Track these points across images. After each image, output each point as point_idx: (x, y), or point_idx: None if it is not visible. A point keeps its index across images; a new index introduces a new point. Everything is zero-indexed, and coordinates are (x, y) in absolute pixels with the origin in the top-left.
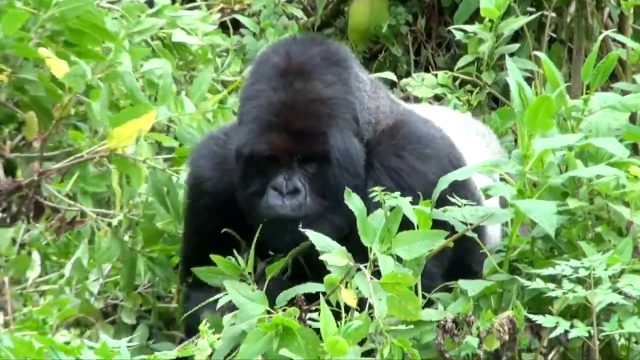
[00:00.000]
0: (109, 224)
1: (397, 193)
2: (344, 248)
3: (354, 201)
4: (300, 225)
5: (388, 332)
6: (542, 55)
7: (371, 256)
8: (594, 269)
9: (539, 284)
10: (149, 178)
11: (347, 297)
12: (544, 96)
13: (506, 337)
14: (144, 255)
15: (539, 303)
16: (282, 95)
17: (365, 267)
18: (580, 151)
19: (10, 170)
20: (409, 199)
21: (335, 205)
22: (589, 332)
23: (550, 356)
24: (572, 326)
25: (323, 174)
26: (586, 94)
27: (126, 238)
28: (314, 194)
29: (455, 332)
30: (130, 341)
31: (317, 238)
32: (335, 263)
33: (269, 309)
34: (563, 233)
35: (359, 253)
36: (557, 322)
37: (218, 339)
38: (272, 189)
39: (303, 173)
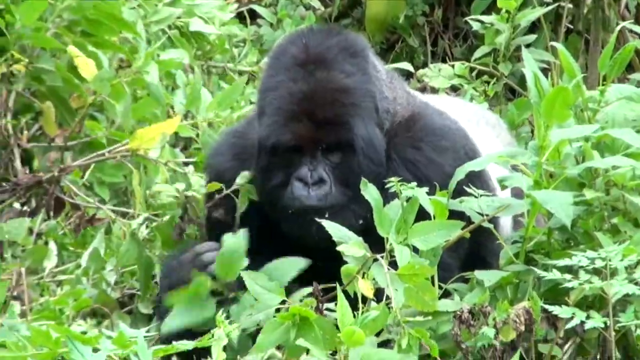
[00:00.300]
0: (127, 225)
1: (414, 184)
2: (360, 239)
3: (370, 191)
4: (326, 216)
5: (405, 323)
6: (559, 45)
7: (387, 247)
8: (610, 260)
9: (555, 274)
10: (169, 180)
11: (365, 287)
12: (561, 87)
13: (522, 328)
14: (161, 258)
15: (555, 294)
16: (304, 86)
17: (382, 257)
18: (597, 142)
19: (26, 160)
20: (426, 189)
21: (359, 195)
22: (605, 323)
23: (566, 347)
24: (588, 317)
25: (347, 163)
26: (602, 85)
27: (143, 230)
28: (338, 184)
29: (472, 322)
30: (147, 331)
31: (334, 228)
32: (352, 254)
33: (285, 299)
34: (579, 224)
35: (378, 244)
36: (574, 313)
37: (235, 328)
38: (296, 180)
39: (327, 163)
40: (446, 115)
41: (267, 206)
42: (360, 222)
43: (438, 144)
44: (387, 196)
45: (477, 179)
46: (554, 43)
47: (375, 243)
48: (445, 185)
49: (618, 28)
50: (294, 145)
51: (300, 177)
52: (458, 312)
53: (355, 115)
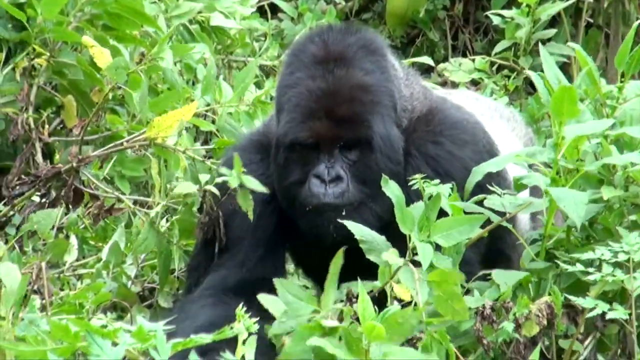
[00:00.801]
0: (146, 214)
1: (437, 181)
2: (383, 238)
3: (391, 188)
4: (343, 213)
5: (428, 324)
6: (575, 45)
7: (410, 244)
8: (633, 253)
9: (577, 267)
10: (188, 169)
11: (401, 291)
12: (565, 86)
13: (545, 322)
14: (180, 247)
15: (576, 290)
16: (322, 83)
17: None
18: (615, 139)
19: (48, 154)
20: (448, 186)
21: (377, 193)
22: (629, 314)
23: (586, 342)
24: (610, 309)
25: (365, 161)
26: (621, 81)
27: (163, 224)
28: (355, 181)
29: (494, 318)
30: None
31: (355, 227)
32: (388, 261)
33: (317, 308)
34: (599, 220)
35: (398, 241)
36: (596, 304)
37: (254, 322)
38: (314, 177)
39: (344, 161)
40: (464, 109)
41: (285, 203)
42: (378, 220)
43: (458, 138)
44: (407, 194)
45: (496, 175)
46: (571, 43)
47: (394, 240)
48: (466, 179)
49: (637, 23)
50: (312, 142)
51: (318, 174)
52: (480, 309)
53: (374, 113)
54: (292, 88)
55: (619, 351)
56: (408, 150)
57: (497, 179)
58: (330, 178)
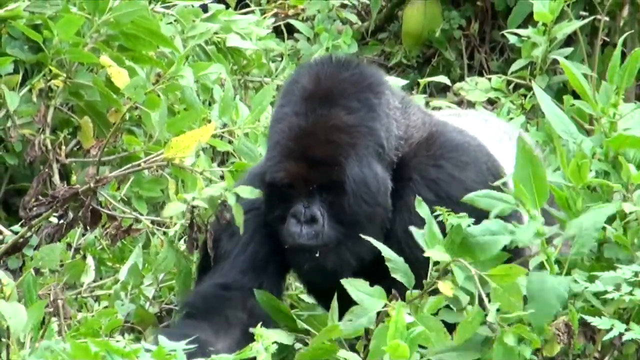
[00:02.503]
0: (165, 233)
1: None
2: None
3: (423, 209)
4: (317, 254)
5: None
6: (569, 64)
7: (431, 268)
8: None
9: (598, 286)
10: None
11: (445, 288)
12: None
13: (566, 340)
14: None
15: (592, 310)
16: (303, 121)
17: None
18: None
19: (65, 174)
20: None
21: (354, 234)
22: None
23: None
24: (627, 329)
25: (339, 203)
26: (616, 95)
27: (181, 243)
28: (332, 222)
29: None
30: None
31: (380, 246)
32: (437, 258)
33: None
34: (615, 239)
35: (382, 280)
36: (613, 324)
37: (273, 342)
38: (291, 216)
39: (322, 201)
40: (466, 132)
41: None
42: (359, 260)
43: (459, 160)
44: (397, 230)
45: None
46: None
47: (377, 280)
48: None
49: (623, 38)
50: (287, 183)
51: (295, 214)
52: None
53: (350, 155)
54: (278, 123)
55: None
56: (409, 176)
57: None
58: (305, 219)
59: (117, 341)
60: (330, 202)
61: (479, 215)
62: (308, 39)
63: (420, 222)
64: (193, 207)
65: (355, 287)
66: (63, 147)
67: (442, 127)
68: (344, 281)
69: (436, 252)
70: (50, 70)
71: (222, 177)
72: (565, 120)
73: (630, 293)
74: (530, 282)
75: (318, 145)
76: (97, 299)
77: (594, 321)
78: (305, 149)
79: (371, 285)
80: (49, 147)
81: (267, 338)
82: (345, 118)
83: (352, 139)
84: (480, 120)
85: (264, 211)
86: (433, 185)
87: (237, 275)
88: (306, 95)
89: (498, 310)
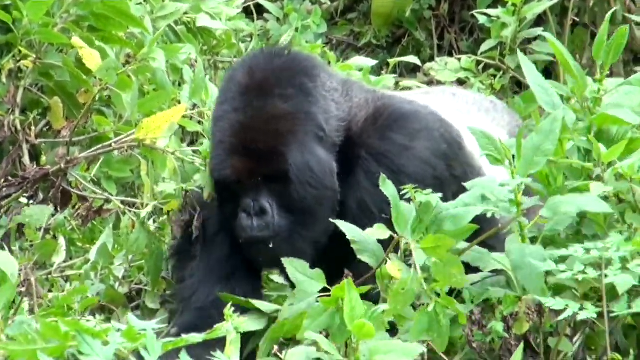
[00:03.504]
0: (136, 214)
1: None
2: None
3: (387, 187)
4: (270, 245)
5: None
6: (555, 40)
7: (402, 246)
8: (606, 251)
9: (550, 265)
10: (177, 170)
11: (393, 269)
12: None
13: (535, 318)
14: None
15: (563, 286)
16: (241, 116)
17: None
18: (598, 132)
19: (35, 155)
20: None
21: (305, 220)
22: (597, 313)
23: (575, 338)
24: (581, 308)
25: (287, 192)
26: (601, 73)
27: (151, 224)
28: (282, 212)
29: (483, 323)
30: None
31: (346, 227)
32: (378, 236)
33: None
34: (589, 215)
35: (339, 263)
36: (567, 305)
37: (243, 322)
38: (242, 211)
39: (269, 192)
40: (416, 102)
41: None
42: (313, 245)
43: (409, 129)
44: (351, 209)
45: (458, 164)
46: (547, 35)
47: (334, 262)
48: (422, 172)
49: (610, 13)
50: (235, 179)
51: (245, 208)
52: (468, 314)
53: (291, 143)
54: (219, 121)
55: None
56: (358, 154)
57: (460, 168)
58: (255, 212)
59: (88, 321)
60: (278, 192)
61: (435, 183)
62: (278, 19)
63: (372, 197)
64: (186, 191)
65: (295, 268)
66: (33, 128)
67: (388, 100)
68: (284, 260)
69: (377, 230)
70: (20, 51)
71: (192, 157)
72: (550, 91)
73: (583, 272)
74: (510, 254)
75: (259, 138)
76: (68, 279)
77: (547, 302)
78: (248, 143)
79: (340, 269)
80: (19, 127)
81: (236, 317)
82: (282, 107)
83: (290, 126)
84: (447, 95)
85: (218, 210)
86: (382, 159)
87: (209, 294)
88: (242, 90)
89: (426, 279)
